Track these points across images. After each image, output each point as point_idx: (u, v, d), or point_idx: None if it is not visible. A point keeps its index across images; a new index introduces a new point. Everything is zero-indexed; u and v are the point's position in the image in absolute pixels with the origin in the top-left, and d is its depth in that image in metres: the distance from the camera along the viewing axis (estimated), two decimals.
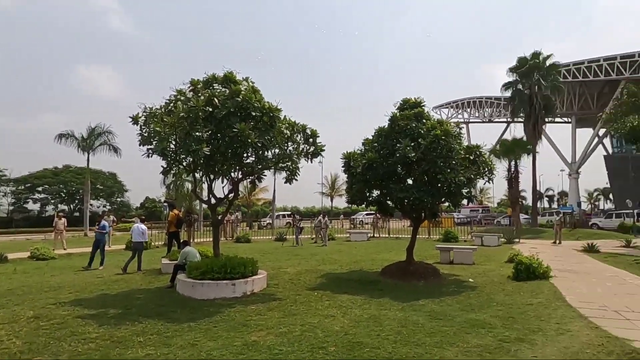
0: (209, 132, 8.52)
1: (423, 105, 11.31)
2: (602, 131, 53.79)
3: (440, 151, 10.03)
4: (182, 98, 8.69)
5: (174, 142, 8.77)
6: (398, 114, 11.03)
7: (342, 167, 11.61)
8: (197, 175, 10.36)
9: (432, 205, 10.74)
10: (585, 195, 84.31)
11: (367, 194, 11.46)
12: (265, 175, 10.07)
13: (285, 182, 9.97)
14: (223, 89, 8.76)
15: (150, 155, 8.70)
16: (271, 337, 5.79)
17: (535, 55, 34.02)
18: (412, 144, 10.16)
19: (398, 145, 10.23)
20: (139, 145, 8.75)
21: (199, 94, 8.73)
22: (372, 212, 33.66)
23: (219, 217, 10.95)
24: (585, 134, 59.58)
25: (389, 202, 11.62)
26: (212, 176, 9.93)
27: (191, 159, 8.88)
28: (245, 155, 9.19)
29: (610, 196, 64.85)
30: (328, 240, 23.02)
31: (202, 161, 8.81)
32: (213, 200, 10.29)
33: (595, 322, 6.64)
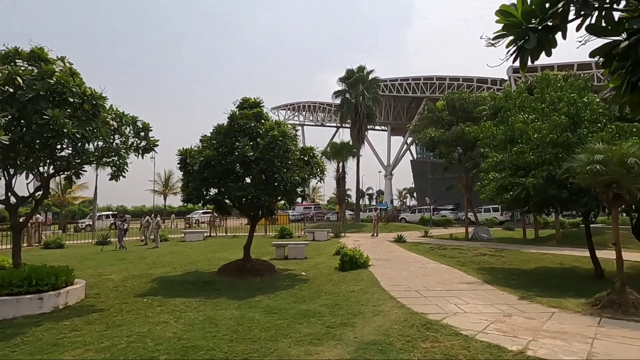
0: (8, 117, 7.03)
1: (262, 106, 11.55)
2: (409, 139, 63.55)
3: (278, 151, 10.40)
4: None
5: None
6: (237, 112, 11.02)
7: (178, 164, 11.01)
8: None
9: (269, 204, 11.05)
10: (397, 194, 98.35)
11: (205, 193, 11.12)
12: (85, 171, 8.79)
13: (111, 179, 8.92)
14: (30, 67, 7.33)
15: None
16: (90, 354, 5.13)
17: (361, 69, 38.23)
18: (251, 143, 10.29)
19: (237, 143, 10.23)
20: None
21: None
22: (209, 210, 32.80)
23: (21, 220, 9.16)
24: (397, 141, 69.71)
25: (227, 201, 11.51)
26: (12, 170, 8.22)
27: None
28: (59, 147, 7.88)
29: (415, 194, 77.30)
30: (160, 241, 21.49)
31: None
32: (13, 200, 8.53)
33: (402, 301, 7.84)
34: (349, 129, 41.18)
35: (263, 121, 11.02)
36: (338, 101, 40.30)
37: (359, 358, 4.90)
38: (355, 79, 37.76)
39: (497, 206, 31.85)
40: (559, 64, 31.44)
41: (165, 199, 58.98)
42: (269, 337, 5.77)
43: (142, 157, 9.13)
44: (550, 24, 2.71)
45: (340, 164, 36.38)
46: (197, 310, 7.36)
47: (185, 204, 12.75)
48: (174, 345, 5.42)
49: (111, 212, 45.84)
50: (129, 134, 8.83)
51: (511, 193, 10.67)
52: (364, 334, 5.88)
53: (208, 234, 27.34)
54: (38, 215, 24.01)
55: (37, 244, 21.74)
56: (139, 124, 8.79)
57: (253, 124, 10.66)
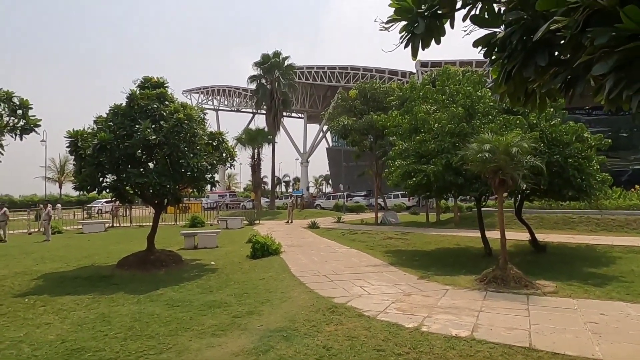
0: None
1: (166, 86, 10.80)
2: (325, 127, 64.68)
3: (184, 135, 9.82)
4: None
5: None
6: (138, 92, 10.16)
7: (67, 147, 9.87)
8: None
9: (174, 191, 10.43)
10: (313, 181, 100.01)
11: (100, 179, 10.13)
12: None
13: None
14: None
15: None
16: None
17: (277, 54, 37.72)
18: (153, 126, 9.58)
19: (137, 126, 9.44)
20: None
21: None
22: (113, 199, 30.30)
23: None
24: (314, 129, 70.54)
25: (127, 188, 10.63)
26: None
27: None
28: None
29: (330, 181, 79.20)
30: (52, 233, 19.34)
31: None
32: None
33: (310, 286, 7.92)
34: (264, 115, 40.61)
35: (167, 103, 10.30)
36: (253, 86, 39.46)
37: (262, 346, 4.81)
38: (271, 64, 37.21)
39: (405, 192, 33.85)
40: (460, 60, 34.03)
41: (60, 187, 53.50)
42: (168, 331, 5.45)
43: (21, 139, 8.04)
44: (439, 12, 2.79)
45: (256, 151, 35.78)
46: (88, 308, 6.71)
47: (85, 193, 11.54)
48: (55, 349, 4.87)
49: None
50: (3, 112, 7.69)
51: (414, 179, 11.29)
52: (270, 321, 5.81)
53: (110, 225, 25.27)
54: None
55: None
56: (15, 100, 7.70)
57: (156, 106, 9.91)
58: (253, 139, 34.48)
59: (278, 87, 37.61)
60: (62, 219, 28.97)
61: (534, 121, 10.57)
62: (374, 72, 49.66)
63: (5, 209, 19.51)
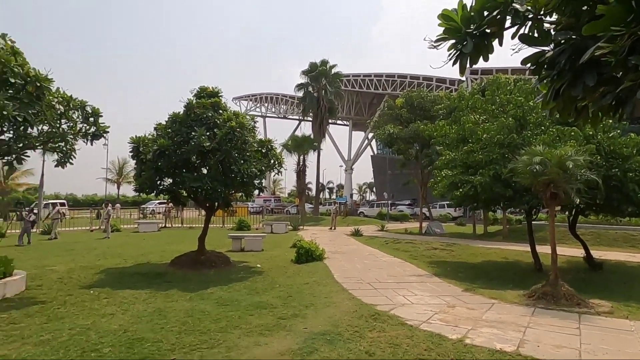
0: None
1: (220, 96, 11.37)
2: (370, 135, 64.54)
3: (235, 142, 10.29)
4: None
5: None
6: (194, 101, 10.79)
7: (130, 152, 10.65)
8: None
9: (225, 195, 10.93)
10: (357, 188, 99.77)
11: (158, 182, 10.83)
12: (28, 157, 8.31)
13: (57, 166, 8.51)
14: None
15: None
16: (28, 347, 4.93)
17: (324, 62, 38.27)
18: (208, 133, 10.12)
19: (193, 133, 10.02)
20: None
21: None
22: (165, 201, 31.89)
23: None
24: (359, 136, 70.53)
25: (182, 191, 11.27)
26: None
27: None
28: None
29: (374, 189, 78.71)
30: (112, 231, 20.71)
31: None
32: None
33: (353, 293, 8.04)
34: (310, 123, 41.22)
35: (221, 111, 10.85)
36: (301, 94, 40.19)
37: (307, 348, 5.00)
38: (318, 73, 37.79)
39: (451, 203, 33.07)
40: (512, 67, 32.93)
41: (118, 188, 56.81)
42: (218, 328, 5.76)
43: (92, 144, 8.75)
44: (487, 30, 2.88)
45: (301, 157, 36.37)
46: (146, 302, 7.21)
47: (140, 194, 12.39)
48: (119, 338, 5.31)
49: (60, 200, 43.55)
50: (77, 119, 8.45)
51: (461, 190, 11.13)
52: (314, 324, 5.99)
53: (163, 225, 26.62)
54: None
55: None
56: (88, 108, 8.42)
57: (210, 114, 10.48)
58: (299, 145, 35.07)
59: (324, 94, 38.09)
60: (120, 218, 30.82)
61: (590, 133, 10.13)
62: (421, 79, 49.11)
63: (58, 207, 21.14)
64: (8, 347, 4.97)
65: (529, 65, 2.94)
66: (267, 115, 77.41)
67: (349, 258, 13.17)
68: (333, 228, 26.60)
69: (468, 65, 3.02)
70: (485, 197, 10.79)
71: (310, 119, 40.83)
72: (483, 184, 10.39)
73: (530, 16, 2.79)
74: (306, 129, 74.78)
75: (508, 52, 3.03)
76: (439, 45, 2.96)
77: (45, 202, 36.00)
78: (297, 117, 68.61)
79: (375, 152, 68.26)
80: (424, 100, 24.13)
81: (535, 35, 2.80)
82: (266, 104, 77.39)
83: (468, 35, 2.77)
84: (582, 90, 2.36)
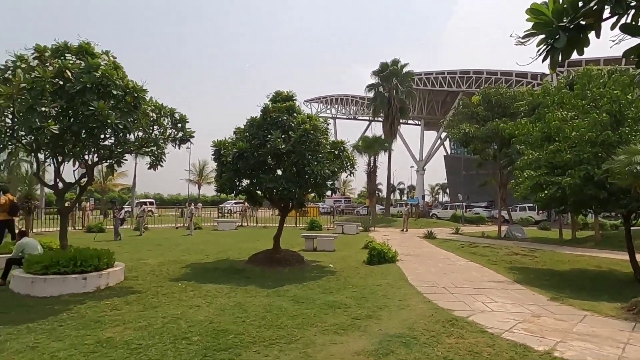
0: (58, 108, 7.50)
1: (294, 99, 11.73)
2: (443, 134, 62.38)
3: (309, 145, 10.55)
4: (24, 66, 7.42)
5: (10, 117, 7.51)
6: (270, 105, 11.23)
7: (212, 155, 11.38)
8: (40, 156, 9.04)
9: (299, 196, 11.24)
10: (429, 189, 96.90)
11: (237, 183, 11.43)
12: (126, 160, 9.25)
13: (149, 168, 9.36)
14: (77, 61, 7.77)
15: None
16: (129, 332, 5.48)
17: (395, 62, 37.76)
18: (283, 136, 10.49)
19: (269, 136, 10.44)
20: None
21: (46, 64, 7.59)
22: (241, 200, 33.46)
23: (67, 204, 9.76)
24: (431, 136, 68.48)
25: (258, 192, 11.78)
26: (60, 158, 8.76)
27: (33, 137, 7.70)
28: (102, 136, 8.33)
29: (447, 190, 75.92)
30: (194, 229, 22.22)
31: (47, 140, 7.71)
32: (61, 185, 9.11)
33: (428, 297, 7.86)
34: (381, 123, 40.84)
35: (295, 114, 11.19)
36: (371, 94, 40.04)
37: (382, 349, 5.00)
38: (389, 73, 37.36)
39: (533, 205, 30.88)
40: (605, 57, 29.95)
41: (199, 189, 60.68)
42: (295, 325, 5.96)
43: (179, 148, 9.53)
44: (583, 22, 2.69)
45: (372, 158, 36.16)
46: (227, 296, 7.65)
47: (218, 194, 13.16)
48: (205, 328, 5.70)
49: (148, 200, 47.58)
50: (167, 125, 9.22)
51: (546, 192, 10.39)
52: (389, 326, 5.96)
53: (240, 224, 27.98)
54: (87, 204, 25.15)
55: (81, 228, 22.97)
56: (176, 115, 9.17)
57: (285, 117, 10.84)
58: (369, 146, 34.92)
59: (395, 94, 37.57)
60: (201, 216, 32.93)
61: None
62: (498, 75, 46.52)
63: (144, 206, 23.03)
64: (113, 330, 5.57)
65: (631, 58, 2.71)
66: (337, 116, 78.04)
67: (422, 261, 12.88)
68: (405, 230, 26.13)
69: (560, 60, 2.85)
70: (575, 199, 9.96)
71: (381, 119, 40.47)
72: (572, 185, 9.61)
73: (633, 4, 2.57)
74: (377, 129, 74.24)
75: (601, 42, 2.79)
76: (527, 41, 2.82)
77: (136, 202, 39.59)
78: (368, 118, 68.34)
79: (449, 152, 65.83)
80: (503, 96, 22.83)
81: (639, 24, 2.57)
82: (336, 106, 78.07)
83: (560, 29, 2.61)
84: None
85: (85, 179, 9.32)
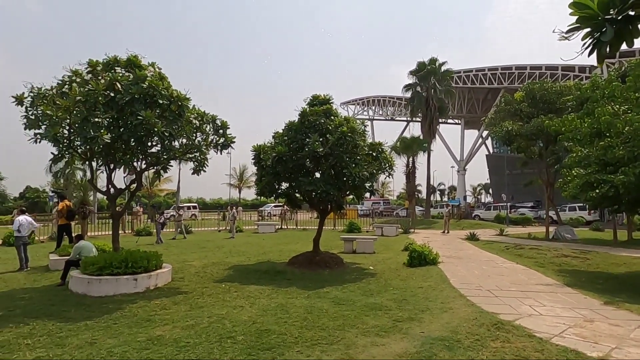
0: (109, 119, 7.97)
1: (331, 102, 11.80)
2: (485, 133, 60.51)
3: (347, 147, 10.58)
4: (78, 80, 7.96)
5: (67, 128, 8.05)
6: (308, 109, 11.37)
7: (252, 159, 11.64)
8: (93, 164, 9.62)
9: (337, 198, 11.28)
10: (470, 190, 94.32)
11: (277, 187, 11.64)
12: (171, 166, 9.67)
13: (193, 174, 9.74)
14: (126, 74, 8.23)
15: (38, 140, 7.86)
16: (177, 331, 5.72)
17: (433, 61, 37.07)
18: (321, 139, 10.58)
19: (307, 139, 10.57)
20: (25, 129, 7.84)
21: (99, 77, 8.09)
22: (280, 204, 33.98)
23: (118, 209, 10.31)
24: (472, 135, 66.63)
25: (297, 195, 11.94)
26: (112, 165, 9.29)
27: (88, 147, 8.22)
28: (150, 144, 8.77)
29: (490, 190, 73.47)
30: (236, 232, 22.78)
31: (100, 149, 8.21)
32: (112, 191, 9.65)
33: (472, 300, 7.67)
34: (419, 123, 40.19)
35: (332, 117, 11.26)
36: (408, 95, 39.44)
37: (425, 352, 4.94)
38: (427, 72, 36.71)
39: (584, 204, 29.31)
40: None
41: (240, 192, 62.01)
42: (336, 326, 6.00)
43: (221, 153, 9.82)
44: (632, 13, 2.58)
45: (410, 159, 35.63)
46: (269, 298, 7.81)
47: (259, 197, 13.45)
48: (249, 328, 5.85)
49: (192, 204, 49.24)
50: (209, 132, 9.56)
51: (597, 191, 9.87)
52: (431, 329, 5.88)
53: (279, 227, 28.39)
54: (139, 208, 26.31)
55: (129, 232, 24.12)
56: (217, 122, 9.49)
57: (323, 121, 10.93)
58: (408, 147, 34.45)
59: (434, 94, 36.89)
60: (242, 219, 33.69)
61: None
62: (543, 69, 44.65)
63: (234, 210, 23.73)
64: (162, 328, 5.84)
65: None
66: (375, 118, 77.52)
67: (465, 263, 12.56)
68: (446, 231, 25.56)
69: (607, 53, 2.75)
70: (630, 198, 9.40)
71: (419, 119, 39.82)
72: (626, 183, 9.07)
73: None
74: (415, 129, 73.22)
75: None
76: (571, 35, 2.74)
77: (180, 205, 41.06)
78: (405, 119, 67.50)
79: (491, 151, 63.73)
80: (548, 92, 21.84)
81: None
82: (373, 107, 77.62)
83: (607, 22, 2.52)
84: None
85: (135, 185, 9.82)
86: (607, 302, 7.66)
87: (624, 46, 2.66)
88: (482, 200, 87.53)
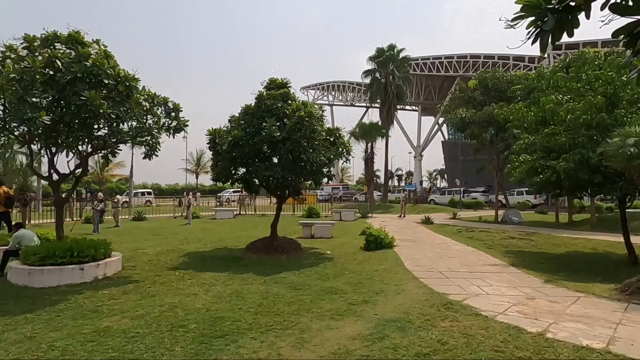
0: (49, 99, 7.43)
1: (289, 86, 11.64)
2: (441, 120, 62.21)
3: (304, 132, 10.51)
4: (13, 56, 7.34)
5: (1, 108, 7.45)
6: (265, 93, 11.15)
7: (207, 143, 11.33)
8: (33, 147, 8.99)
9: (295, 183, 11.22)
10: (427, 175, 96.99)
11: (233, 172, 11.40)
12: (120, 150, 9.20)
13: (144, 158, 9.31)
14: (67, 51, 7.67)
15: None
16: (126, 321, 5.52)
17: (391, 47, 37.42)
18: (278, 123, 10.43)
19: (264, 124, 10.38)
20: None
21: (36, 53, 7.50)
22: (239, 189, 33.50)
23: (64, 195, 9.75)
24: (428, 122, 68.35)
25: (254, 180, 11.77)
26: (54, 149, 8.72)
27: (26, 129, 7.65)
28: (96, 127, 8.28)
29: (445, 176, 76.01)
30: (192, 218, 22.24)
31: (40, 131, 7.66)
32: (55, 176, 9.08)
33: (424, 281, 7.93)
34: (378, 109, 40.68)
35: (290, 102, 11.11)
36: (367, 80, 39.73)
37: (378, 334, 5.05)
38: (386, 58, 37.04)
39: (530, 189, 30.99)
40: (603, 39, 29.76)
41: (197, 178, 60.67)
42: (292, 311, 6.01)
43: (174, 137, 9.46)
44: (572, 3, 2.66)
45: (369, 145, 36.11)
46: (225, 284, 7.70)
47: (216, 183, 13.14)
48: (202, 316, 5.74)
49: (146, 190, 47.57)
50: (161, 115, 9.16)
51: (541, 176, 10.41)
52: (385, 311, 6.02)
53: (238, 212, 28.02)
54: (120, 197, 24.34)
55: (78, 219, 22.91)
56: (169, 104, 9.10)
57: (280, 105, 10.77)
58: (367, 133, 34.83)
59: (392, 80, 37.34)
60: (199, 205, 32.95)
61: None
62: (496, 59, 46.25)
63: (190, 196, 22.93)
64: (110, 319, 5.61)
65: (620, 39, 2.68)
66: (334, 103, 77.64)
67: (419, 246, 12.96)
68: (403, 216, 26.24)
69: (550, 43, 2.82)
70: (570, 183, 9.99)
71: (378, 105, 40.29)
72: (567, 169, 9.62)
73: None
74: (374, 115, 73.99)
75: (598, 24, 2.76)
76: (516, 24, 2.79)
77: (135, 192, 39.52)
78: (364, 104, 68.09)
79: (447, 138, 65.76)
80: (500, 81, 22.71)
81: (630, 3, 2.54)
82: (333, 92, 77.64)
83: (549, 11, 2.58)
84: None
85: (80, 170, 9.28)
86: (548, 281, 8.16)
87: (569, 38, 2.75)
88: (438, 185, 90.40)
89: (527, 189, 32.50)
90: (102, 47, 8.19)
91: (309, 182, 12.72)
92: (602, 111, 9.63)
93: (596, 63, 11.17)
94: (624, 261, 10.51)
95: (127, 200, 32.62)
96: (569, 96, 10.74)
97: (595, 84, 10.37)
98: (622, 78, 9.94)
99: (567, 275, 8.84)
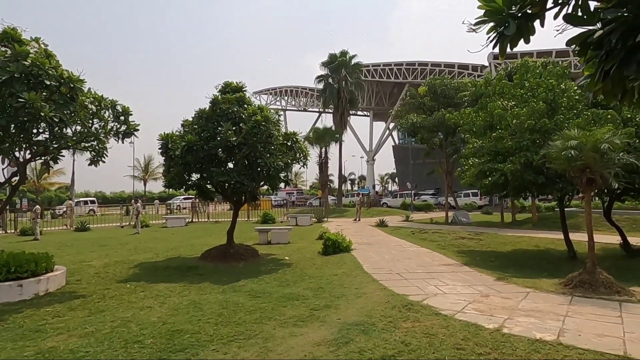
0: None
1: (245, 90, 11.45)
2: (392, 125, 63.84)
3: (261, 136, 10.36)
4: None
5: None
6: (220, 97, 10.89)
7: (159, 149, 10.86)
8: None
9: (252, 189, 11.02)
10: (379, 179, 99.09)
11: (187, 178, 11.02)
12: (63, 156, 8.57)
13: (90, 164, 8.74)
14: (3, 49, 7.07)
15: None
16: (74, 340, 5.12)
17: (344, 53, 38.01)
18: (234, 128, 10.22)
19: (219, 128, 10.14)
20: None
21: None
22: (190, 196, 32.48)
23: None
24: (380, 127, 69.86)
25: (209, 186, 11.44)
26: None
27: None
28: (35, 131, 7.67)
29: (396, 179, 78.02)
30: (141, 227, 21.24)
31: None
32: None
33: (384, 283, 8.02)
34: (331, 114, 41.08)
35: (246, 106, 10.92)
36: (320, 86, 40.07)
37: (342, 338, 5.02)
38: (338, 64, 37.56)
39: (476, 191, 32.47)
40: (538, 50, 31.89)
41: (145, 185, 58.17)
42: (253, 319, 5.85)
43: (123, 142, 8.94)
44: (529, 11, 2.79)
45: (323, 150, 36.37)
46: (181, 295, 7.38)
47: (167, 190, 12.64)
48: (159, 330, 5.45)
49: (90, 199, 44.94)
50: (109, 118, 8.65)
51: (490, 178, 10.92)
52: (347, 315, 6.01)
53: (190, 220, 27.13)
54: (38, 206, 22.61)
55: (13, 231, 21.19)
56: (118, 107, 8.61)
57: (236, 109, 10.56)
58: (320, 137, 35.06)
59: (345, 86, 37.88)
60: (149, 213, 31.56)
61: (628, 115, 9.74)
62: (442, 67, 48.10)
63: (139, 203, 21.69)
64: (55, 339, 5.18)
65: (573, 46, 2.84)
66: (287, 108, 77.47)
67: (376, 249, 13.14)
68: (358, 219, 26.57)
69: (509, 49, 2.94)
70: (516, 185, 10.56)
71: (331, 110, 40.69)
72: (513, 171, 10.16)
73: None
74: (327, 120, 74.56)
75: (536, 35, 2.92)
76: (478, 28, 2.88)
77: (77, 200, 37.15)
78: (318, 110, 68.42)
79: (397, 142, 67.57)
80: (447, 87, 23.71)
81: (580, 14, 2.70)
82: (286, 97, 77.40)
83: (510, 17, 2.69)
84: (636, 70, 2.26)
85: (17, 178, 8.56)
86: (499, 278, 8.53)
87: (514, 49, 2.88)
88: (390, 189, 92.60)
89: (473, 190, 34.05)
90: (42, 45, 7.61)
91: (265, 187, 12.58)
92: (543, 116, 10.28)
93: (537, 72, 11.93)
94: (565, 257, 11.24)
95: (66, 209, 30.58)
96: (513, 102, 11.38)
97: (537, 91, 11.06)
98: (561, 86, 10.68)
99: (516, 272, 9.30)
